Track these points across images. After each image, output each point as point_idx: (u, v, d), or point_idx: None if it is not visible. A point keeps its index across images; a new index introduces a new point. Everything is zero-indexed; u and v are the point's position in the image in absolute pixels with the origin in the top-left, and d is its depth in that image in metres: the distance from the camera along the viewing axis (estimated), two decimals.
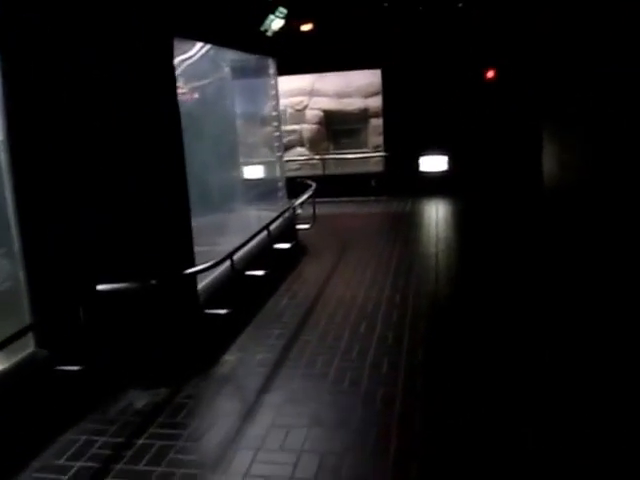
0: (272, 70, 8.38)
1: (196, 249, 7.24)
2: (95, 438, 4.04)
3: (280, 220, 7.94)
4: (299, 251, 8.58)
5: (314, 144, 15.73)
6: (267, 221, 7.03)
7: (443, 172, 13.08)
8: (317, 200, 13.21)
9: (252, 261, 6.56)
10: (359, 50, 12.49)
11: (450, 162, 13.04)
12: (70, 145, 4.42)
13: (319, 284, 7.17)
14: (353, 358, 5.08)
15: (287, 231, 8.15)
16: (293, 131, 16.02)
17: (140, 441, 3.99)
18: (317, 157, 14.47)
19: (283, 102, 16.23)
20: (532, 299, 6.26)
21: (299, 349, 5.37)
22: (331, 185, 13.72)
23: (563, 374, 4.55)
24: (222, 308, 5.26)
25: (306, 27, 11.72)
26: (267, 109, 8.59)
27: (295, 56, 12.73)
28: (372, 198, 13.16)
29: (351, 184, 13.58)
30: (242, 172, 9.48)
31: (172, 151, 4.92)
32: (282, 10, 6.83)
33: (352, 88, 15.49)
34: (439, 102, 12.57)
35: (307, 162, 14.95)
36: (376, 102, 13.98)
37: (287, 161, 15.26)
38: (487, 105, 12.32)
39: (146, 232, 4.81)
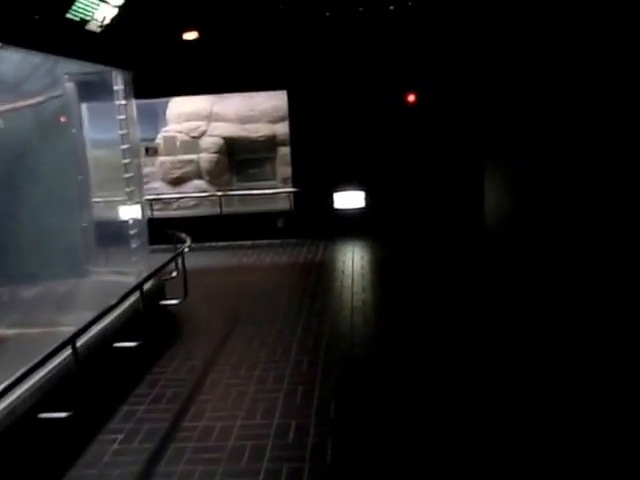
0: (120, 86, 5.96)
1: None
2: None
3: (132, 299, 5.50)
4: (162, 338, 6.14)
5: (214, 176, 13.53)
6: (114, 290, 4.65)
7: (360, 209, 11.24)
8: (212, 245, 10.97)
9: (53, 392, 4.08)
10: (262, 67, 10.43)
11: (368, 198, 11.18)
12: None
13: (178, 406, 4.73)
14: None
15: (139, 314, 5.61)
16: (189, 161, 13.82)
17: None
18: (219, 193, 12.24)
19: (175, 128, 13.85)
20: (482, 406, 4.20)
21: None
22: (230, 226, 11.48)
23: None
24: None
25: (190, 36, 9.45)
26: (117, 139, 6.21)
27: (185, 74, 10.46)
28: (278, 242, 11.05)
29: (255, 224, 11.50)
30: (90, 223, 7.04)
31: None
32: None
33: (257, 112, 13.58)
34: (354, 129, 10.74)
35: (207, 198, 12.68)
36: (285, 128, 12.09)
37: (179, 198, 12.91)
38: (410, 133, 10.50)
39: None
